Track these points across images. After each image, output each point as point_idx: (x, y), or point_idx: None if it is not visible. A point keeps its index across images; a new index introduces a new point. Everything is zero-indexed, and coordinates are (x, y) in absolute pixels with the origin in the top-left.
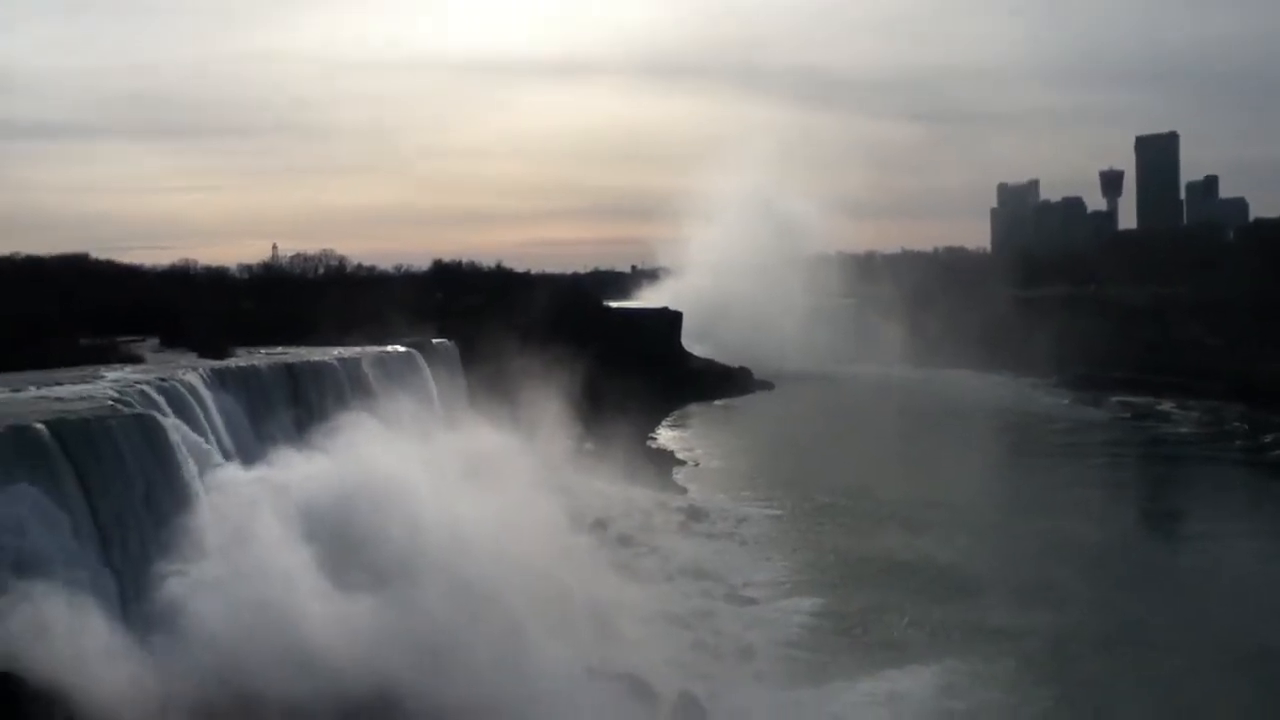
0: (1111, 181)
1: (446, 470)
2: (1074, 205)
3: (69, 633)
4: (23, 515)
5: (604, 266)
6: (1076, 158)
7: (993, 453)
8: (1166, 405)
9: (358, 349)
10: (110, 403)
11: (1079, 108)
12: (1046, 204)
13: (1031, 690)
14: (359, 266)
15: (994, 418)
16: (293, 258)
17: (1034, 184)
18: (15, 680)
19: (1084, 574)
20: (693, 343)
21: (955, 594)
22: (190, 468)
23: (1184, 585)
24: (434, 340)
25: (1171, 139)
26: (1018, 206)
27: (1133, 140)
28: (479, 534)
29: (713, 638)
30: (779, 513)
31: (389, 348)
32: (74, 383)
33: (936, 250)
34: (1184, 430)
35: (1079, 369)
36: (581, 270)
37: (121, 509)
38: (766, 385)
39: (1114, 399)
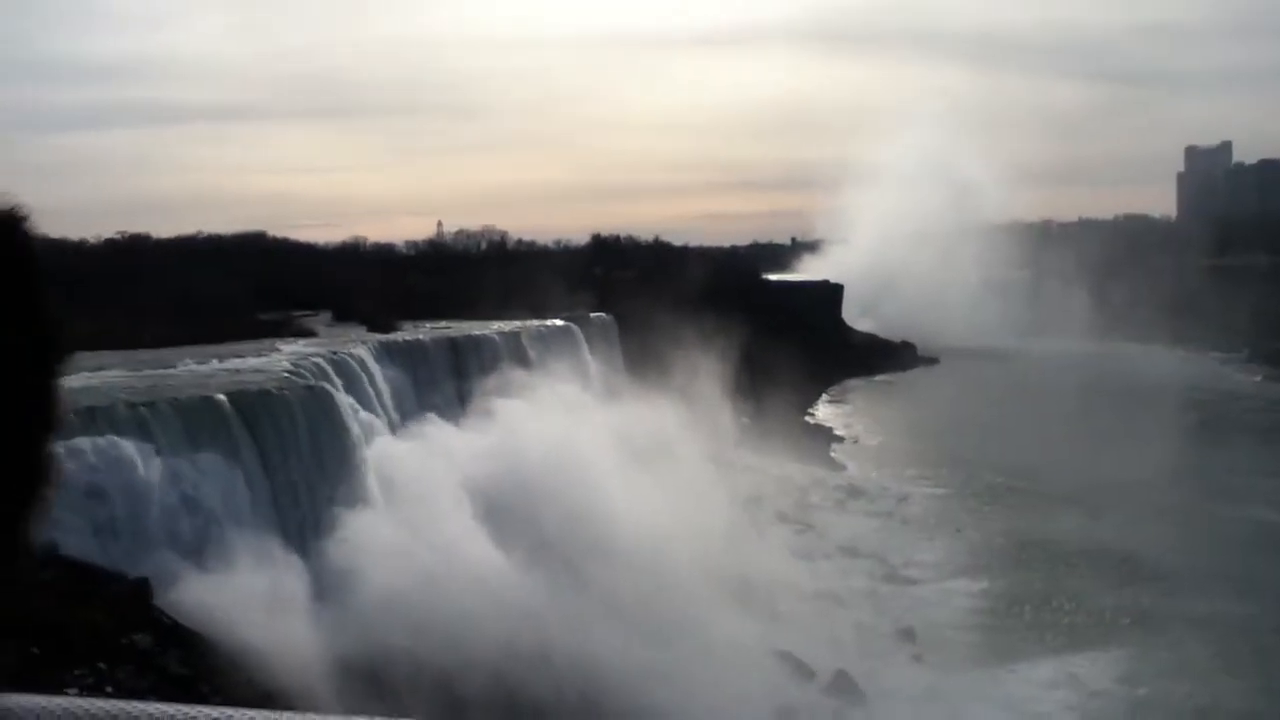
0: None
1: (605, 443)
2: (1271, 168)
3: (249, 595)
4: (206, 482)
5: (763, 239)
6: (1275, 117)
7: (1177, 433)
8: None
9: (517, 323)
10: (285, 374)
11: (1277, 63)
12: (1240, 167)
13: (1225, 682)
14: (519, 242)
15: (1179, 395)
16: (456, 234)
17: (1226, 146)
18: (200, 640)
19: (1276, 562)
20: (856, 316)
21: (1136, 580)
22: (360, 437)
23: None
24: (592, 314)
25: None
26: (1208, 170)
27: None
28: (640, 508)
29: (871, 618)
30: (943, 492)
31: (548, 322)
32: (253, 355)
33: (1117, 218)
34: None
35: (1274, 343)
36: (740, 243)
37: (295, 476)
38: (931, 360)
39: None
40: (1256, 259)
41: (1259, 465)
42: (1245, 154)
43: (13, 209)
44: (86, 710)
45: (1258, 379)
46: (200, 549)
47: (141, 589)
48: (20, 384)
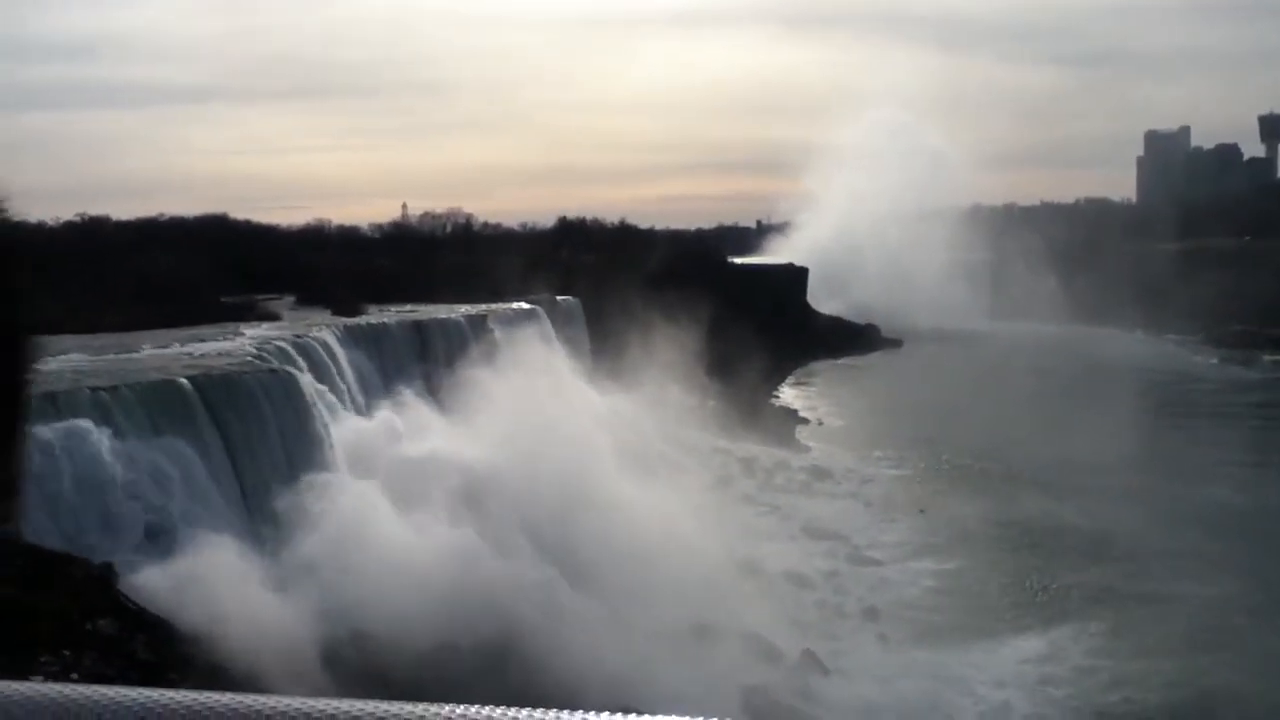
0: (1271, 126)
1: (573, 426)
2: (1229, 152)
3: (214, 580)
4: (169, 467)
5: (729, 222)
6: (1233, 102)
7: (1136, 414)
8: None
9: (484, 306)
10: (249, 358)
11: (1236, 47)
12: (1198, 151)
13: (1201, 659)
14: (485, 224)
15: (1139, 377)
16: (421, 216)
17: (1185, 130)
18: (166, 626)
19: (1238, 543)
20: (821, 298)
21: (1098, 560)
22: (325, 420)
23: None
24: (558, 297)
25: None
26: (1167, 154)
27: None
28: (604, 491)
29: (836, 598)
30: (906, 473)
31: (514, 305)
32: (216, 339)
33: (1078, 202)
34: None
35: (1230, 326)
36: (706, 226)
37: (260, 460)
38: (894, 343)
39: (1267, 358)
40: (1213, 243)
41: (1217, 446)
42: (1203, 139)
43: None
44: (69, 696)
45: (1214, 361)
46: (164, 533)
47: (105, 574)
48: None
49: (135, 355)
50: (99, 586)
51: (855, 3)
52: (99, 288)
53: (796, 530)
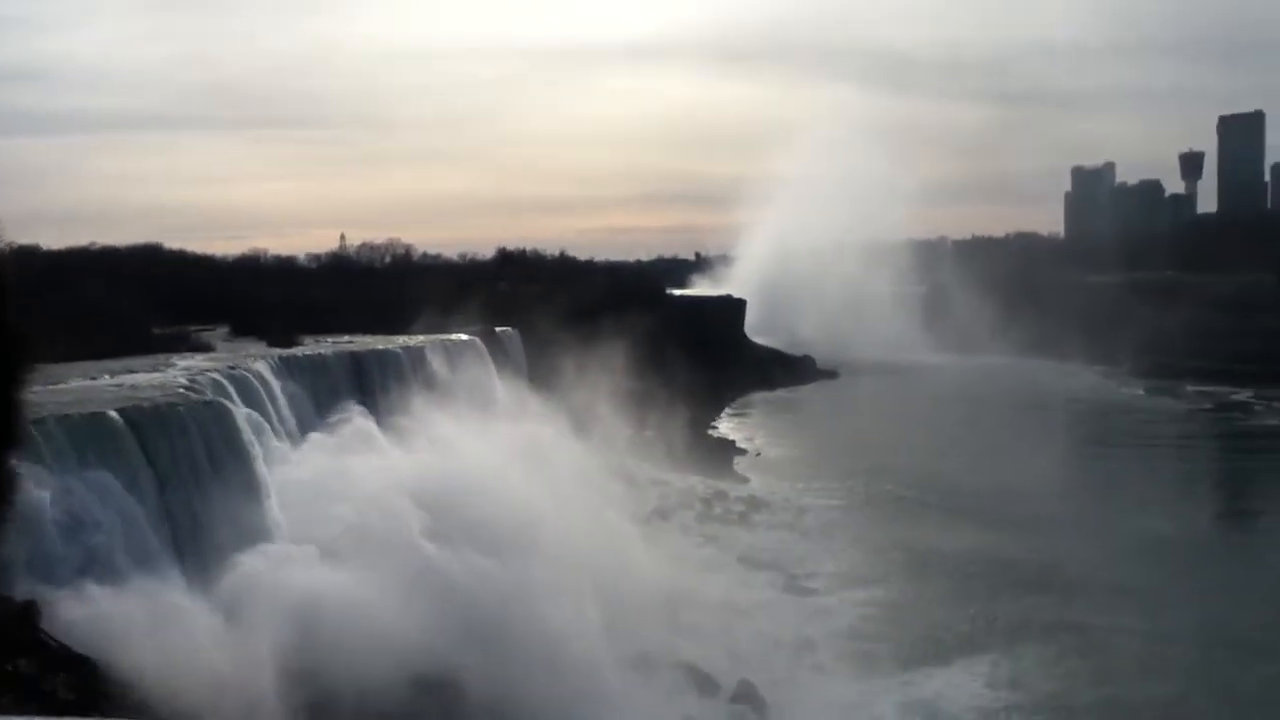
0: (1191, 164)
1: (509, 458)
2: (1151, 189)
3: (142, 617)
4: (98, 501)
5: (668, 254)
6: (1155, 139)
7: (1066, 444)
8: (1247, 396)
9: (422, 337)
10: (181, 390)
11: (1158, 87)
12: (1123, 187)
13: (1123, 688)
14: (424, 255)
15: (1067, 408)
16: (360, 247)
17: (1110, 167)
18: (89, 664)
19: (1173, 574)
20: (757, 330)
21: (1031, 590)
22: (258, 453)
23: (1273, 585)
24: (497, 328)
25: (1256, 118)
26: (1092, 190)
27: (1215, 120)
28: (541, 522)
29: (773, 628)
30: (842, 503)
31: (453, 336)
32: (147, 371)
33: (1009, 236)
34: (1270, 423)
35: (1155, 358)
36: (645, 258)
37: (191, 494)
38: (830, 374)
39: (1191, 389)
40: (1139, 277)
41: (1147, 476)
42: (1127, 174)
43: None
44: None
45: (1140, 392)
46: (91, 569)
47: (27, 612)
48: None
49: (64, 387)
50: (20, 624)
51: (792, 41)
52: (27, 318)
53: (734, 560)
